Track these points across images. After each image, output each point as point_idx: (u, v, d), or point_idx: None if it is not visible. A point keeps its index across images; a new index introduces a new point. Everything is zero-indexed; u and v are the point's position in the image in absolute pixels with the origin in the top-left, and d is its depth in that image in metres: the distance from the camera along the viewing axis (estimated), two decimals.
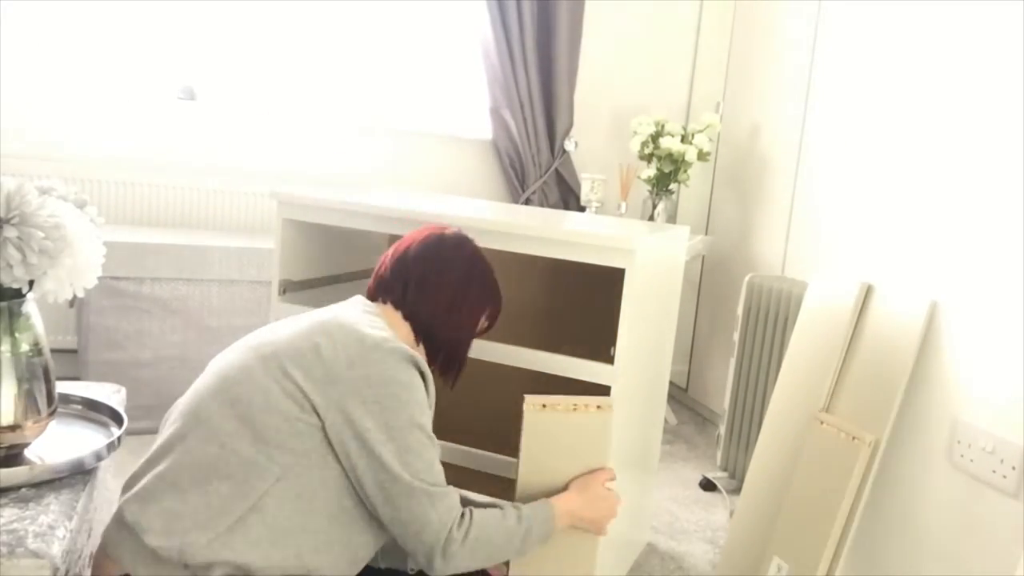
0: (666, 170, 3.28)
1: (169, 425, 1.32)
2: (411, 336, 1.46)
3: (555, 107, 3.56)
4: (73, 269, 1.29)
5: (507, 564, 1.47)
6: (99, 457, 1.36)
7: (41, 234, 1.22)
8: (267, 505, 1.20)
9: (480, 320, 1.53)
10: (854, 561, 1.90)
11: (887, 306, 1.87)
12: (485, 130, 3.60)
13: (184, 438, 1.26)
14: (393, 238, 1.73)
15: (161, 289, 2.68)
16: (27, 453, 1.34)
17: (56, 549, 1.13)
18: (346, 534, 1.25)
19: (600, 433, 1.52)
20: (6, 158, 2.83)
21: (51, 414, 1.36)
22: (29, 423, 1.31)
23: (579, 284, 2.19)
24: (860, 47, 2.49)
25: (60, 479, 1.30)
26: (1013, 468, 1.57)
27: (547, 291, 2.24)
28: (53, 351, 1.38)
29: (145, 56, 3.13)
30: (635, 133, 3.31)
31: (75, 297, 1.32)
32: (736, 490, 2.58)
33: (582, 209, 3.50)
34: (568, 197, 3.70)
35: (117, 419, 1.50)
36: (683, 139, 3.27)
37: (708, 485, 2.71)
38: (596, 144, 3.72)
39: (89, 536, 1.34)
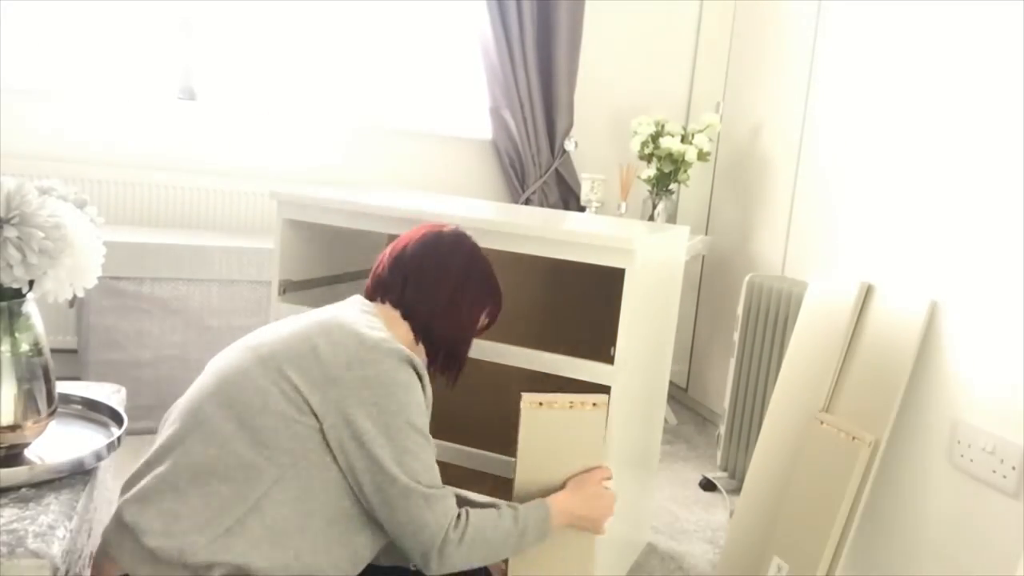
0: (666, 170, 3.28)
1: (168, 426, 1.32)
2: (410, 335, 1.45)
3: (555, 107, 3.56)
4: (73, 269, 1.30)
5: (506, 562, 1.47)
6: (99, 457, 1.37)
7: (41, 234, 1.22)
8: (266, 506, 1.20)
9: (480, 318, 1.52)
10: (854, 561, 1.90)
11: (887, 306, 1.87)
12: (485, 130, 3.60)
13: (183, 440, 1.26)
14: (392, 238, 1.73)
15: (161, 289, 2.68)
16: (27, 453, 1.34)
17: (56, 549, 1.13)
18: (346, 534, 1.25)
19: (596, 430, 1.52)
20: (6, 158, 2.83)
21: (51, 414, 1.36)
22: (29, 423, 1.31)
23: (579, 284, 2.18)
24: (860, 47, 2.49)
25: (60, 479, 1.31)
26: (1013, 468, 1.57)
27: (547, 291, 2.24)
28: (53, 351, 1.38)
29: (145, 56, 3.14)
30: (635, 133, 3.31)
31: (75, 297, 1.32)
32: (736, 490, 2.58)
33: (582, 209, 3.50)
34: (568, 197, 3.70)
35: (117, 419, 1.50)
36: (683, 139, 3.27)
37: (708, 485, 2.71)
38: (596, 144, 3.72)
39: (89, 536, 1.34)
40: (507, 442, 1.85)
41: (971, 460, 1.66)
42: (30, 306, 1.32)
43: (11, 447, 1.31)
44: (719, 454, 2.73)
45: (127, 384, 1.90)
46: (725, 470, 2.72)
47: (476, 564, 1.31)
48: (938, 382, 1.77)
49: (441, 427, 1.87)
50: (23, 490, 1.26)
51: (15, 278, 1.22)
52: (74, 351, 2.86)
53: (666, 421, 3.28)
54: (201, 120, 3.18)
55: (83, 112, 3.01)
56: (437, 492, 1.26)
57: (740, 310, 2.66)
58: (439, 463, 1.32)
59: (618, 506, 1.62)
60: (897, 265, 1.99)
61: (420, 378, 1.32)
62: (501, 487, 1.89)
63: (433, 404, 1.41)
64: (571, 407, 1.51)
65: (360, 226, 1.90)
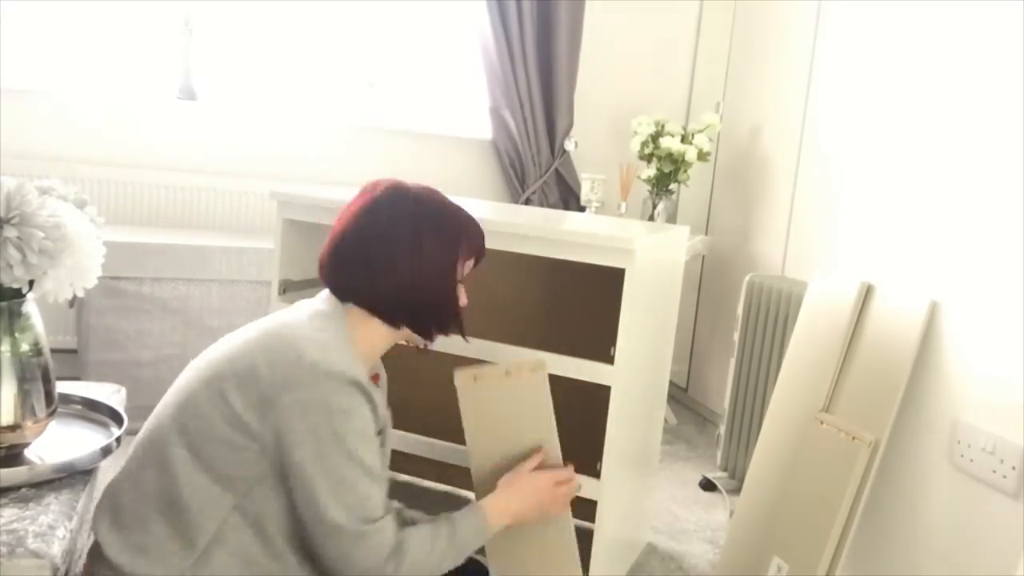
0: (666, 170, 3.28)
1: (136, 444, 1.28)
2: (384, 328, 1.33)
3: (555, 107, 3.56)
4: (73, 269, 1.30)
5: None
6: (99, 457, 1.37)
7: (41, 234, 1.22)
8: (227, 535, 1.19)
9: (456, 265, 1.36)
10: (854, 561, 1.90)
11: (887, 306, 1.87)
12: (485, 130, 3.59)
13: (144, 467, 1.24)
14: None
15: (161, 289, 2.68)
16: (27, 453, 1.34)
17: (56, 549, 1.13)
18: (311, 558, 1.23)
19: (539, 397, 1.46)
20: (6, 158, 2.83)
21: (51, 414, 1.36)
22: (29, 423, 1.31)
23: (579, 284, 2.18)
24: (860, 47, 2.49)
25: (60, 479, 1.31)
26: (1013, 468, 1.57)
27: (547, 291, 2.24)
28: (53, 351, 1.38)
29: (145, 56, 3.13)
30: (635, 133, 3.31)
31: (75, 297, 1.32)
32: (736, 490, 2.58)
33: (582, 209, 3.49)
34: (568, 197, 3.70)
35: (117, 419, 1.50)
36: (683, 139, 3.27)
37: (708, 485, 2.71)
38: (596, 144, 3.72)
39: (89, 536, 1.34)
40: None
41: (971, 460, 1.66)
42: (30, 306, 1.32)
43: (11, 447, 1.31)
44: (719, 454, 2.73)
45: (127, 384, 1.90)
46: (725, 470, 2.72)
47: None
48: (938, 382, 1.77)
49: (441, 427, 1.87)
50: (23, 490, 1.26)
51: (15, 278, 1.22)
52: (74, 351, 2.85)
53: (666, 421, 3.28)
54: (201, 120, 3.18)
55: (83, 112, 3.01)
56: (369, 528, 1.19)
57: (740, 310, 2.66)
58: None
59: (618, 506, 1.61)
60: (897, 265, 1.99)
61: (368, 398, 1.23)
62: None
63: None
64: (507, 375, 1.45)
65: None
